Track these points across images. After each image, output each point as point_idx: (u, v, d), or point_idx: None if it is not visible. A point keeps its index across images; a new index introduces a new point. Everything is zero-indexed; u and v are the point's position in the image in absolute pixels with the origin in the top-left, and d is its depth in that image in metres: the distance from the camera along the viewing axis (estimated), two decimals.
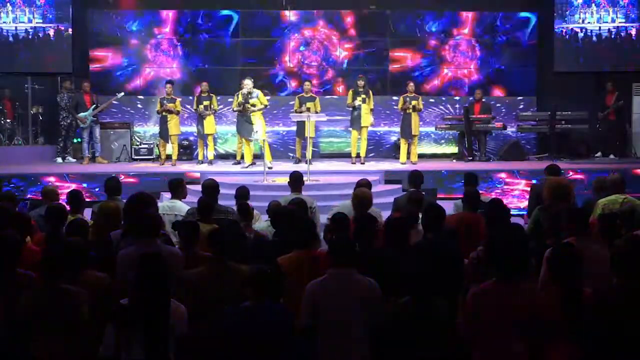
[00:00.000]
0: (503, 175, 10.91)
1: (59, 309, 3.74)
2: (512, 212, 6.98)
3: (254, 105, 11.44)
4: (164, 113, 12.07)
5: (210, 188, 6.35)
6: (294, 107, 12.59)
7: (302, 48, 14.32)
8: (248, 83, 11.48)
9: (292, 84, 14.21)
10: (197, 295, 4.15)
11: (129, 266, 4.12)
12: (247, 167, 11.53)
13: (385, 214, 6.21)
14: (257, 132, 11.17)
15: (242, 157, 11.94)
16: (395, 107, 13.16)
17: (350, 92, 12.47)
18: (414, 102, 12.34)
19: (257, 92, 11.57)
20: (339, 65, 14.35)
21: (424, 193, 6.96)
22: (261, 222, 6.47)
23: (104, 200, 6.50)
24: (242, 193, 6.54)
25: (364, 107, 12.15)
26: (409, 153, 12.54)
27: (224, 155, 13.74)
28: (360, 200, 5.91)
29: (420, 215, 5.44)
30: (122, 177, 9.91)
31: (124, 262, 4.45)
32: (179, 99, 12.46)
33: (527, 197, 8.27)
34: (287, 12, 14.18)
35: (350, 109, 12.35)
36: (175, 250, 4.72)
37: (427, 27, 14.40)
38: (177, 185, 6.71)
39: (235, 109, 11.75)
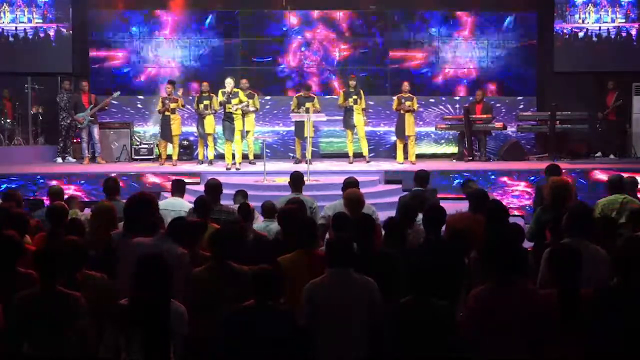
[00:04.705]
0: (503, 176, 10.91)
1: (55, 312, 3.70)
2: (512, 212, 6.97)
3: (241, 102, 11.38)
4: (166, 113, 12.02)
5: (213, 187, 6.39)
6: (292, 107, 12.55)
7: (302, 48, 14.32)
8: (230, 82, 11.41)
9: (292, 84, 14.20)
10: (196, 296, 4.15)
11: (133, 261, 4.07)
12: (229, 169, 11.38)
13: (388, 214, 6.17)
14: (238, 131, 11.16)
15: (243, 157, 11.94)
16: None
17: (342, 92, 12.50)
18: (408, 103, 12.33)
19: (238, 92, 11.54)
20: (339, 65, 14.34)
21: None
22: (260, 222, 6.47)
23: (100, 201, 6.57)
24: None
25: (356, 107, 12.16)
26: (406, 153, 12.53)
27: (224, 155, 13.69)
28: (353, 201, 5.88)
29: (419, 215, 5.45)
30: None
31: (128, 255, 4.39)
32: (179, 99, 12.45)
33: (524, 198, 8.28)
34: (287, 12, 14.17)
35: (343, 109, 12.36)
36: (179, 250, 4.70)
37: (426, 26, 14.39)
38: (179, 184, 7.01)
39: (217, 109, 11.84)
